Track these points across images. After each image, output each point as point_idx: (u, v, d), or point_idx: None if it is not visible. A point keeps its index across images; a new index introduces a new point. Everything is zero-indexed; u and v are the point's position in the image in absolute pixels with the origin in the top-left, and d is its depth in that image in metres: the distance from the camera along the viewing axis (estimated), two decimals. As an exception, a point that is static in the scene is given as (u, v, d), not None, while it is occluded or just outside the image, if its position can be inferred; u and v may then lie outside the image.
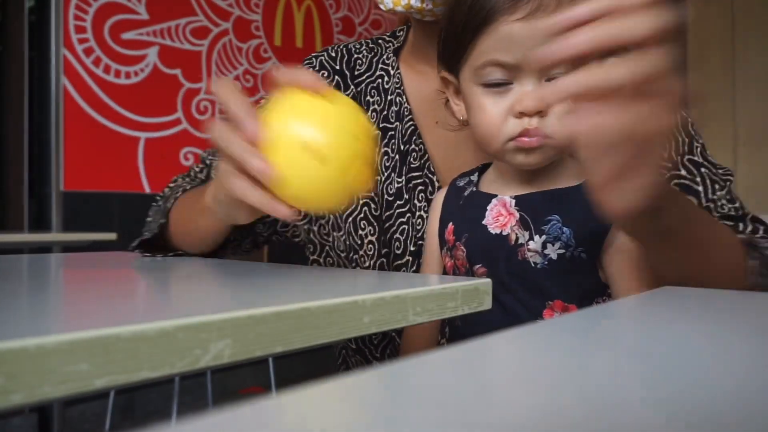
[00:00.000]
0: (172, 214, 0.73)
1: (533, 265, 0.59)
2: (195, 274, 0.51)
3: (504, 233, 0.60)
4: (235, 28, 2.87)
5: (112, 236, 2.00)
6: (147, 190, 2.54)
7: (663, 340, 0.24)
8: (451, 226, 0.65)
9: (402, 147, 0.77)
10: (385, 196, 0.76)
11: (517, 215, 0.60)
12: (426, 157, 0.77)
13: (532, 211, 0.60)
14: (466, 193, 0.66)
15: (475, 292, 0.42)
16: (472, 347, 0.21)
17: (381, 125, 0.79)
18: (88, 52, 2.41)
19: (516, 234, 0.60)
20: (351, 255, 0.77)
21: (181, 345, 0.26)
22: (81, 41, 2.40)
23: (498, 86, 0.57)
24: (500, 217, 0.61)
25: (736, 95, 3.74)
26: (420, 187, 0.75)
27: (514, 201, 0.61)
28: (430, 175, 0.76)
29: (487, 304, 0.43)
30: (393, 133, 0.78)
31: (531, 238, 0.59)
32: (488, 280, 0.43)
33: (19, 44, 2.43)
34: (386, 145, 0.77)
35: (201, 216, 0.64)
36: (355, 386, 0.17)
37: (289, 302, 0.31)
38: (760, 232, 0.64)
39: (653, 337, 0.24)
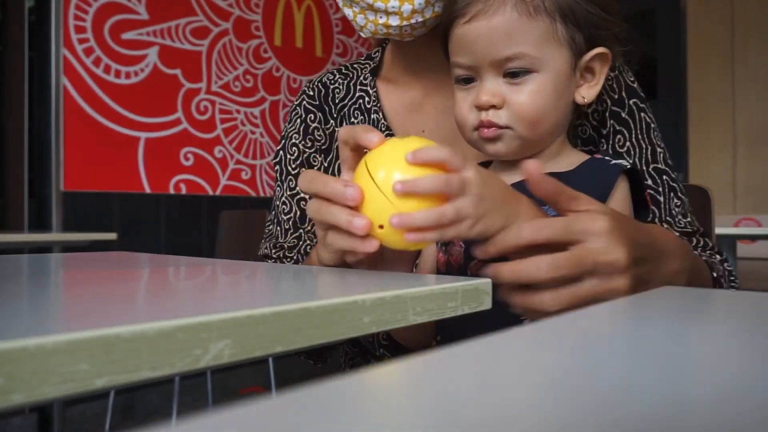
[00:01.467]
0: None
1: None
2: (195, 274, 0.51)
3: None
4: (235, 28, 2.87)
5: (112, 236, 2.00)
6: (147, 190, 2.54)
7: (663, 340, 0.24)
8: None
9: None
10: None
11: None
12: None
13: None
14: None
15: (475, 292, 0.42)
16: (471, 347, 0.21)
17: None
18: (88, 52, 2.41)
19: None
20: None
21: (181, 345, 0.26)
22: (81, 41, 2.40)
23: (466, 82, 0.64)
24: None
25: (736, 95, 3.73)
26: None
27: None
28: None
29: (487, 304, 0.43)
30: None
31: None
32: (488, 280, 0.43)
33: (19, 44, 2.43)
34: None
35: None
36: (355, 386, 0.17)
37: (289, 302, 0.31)
38: (709, 247, 0.73)
39: (653, 337, 0.24)
